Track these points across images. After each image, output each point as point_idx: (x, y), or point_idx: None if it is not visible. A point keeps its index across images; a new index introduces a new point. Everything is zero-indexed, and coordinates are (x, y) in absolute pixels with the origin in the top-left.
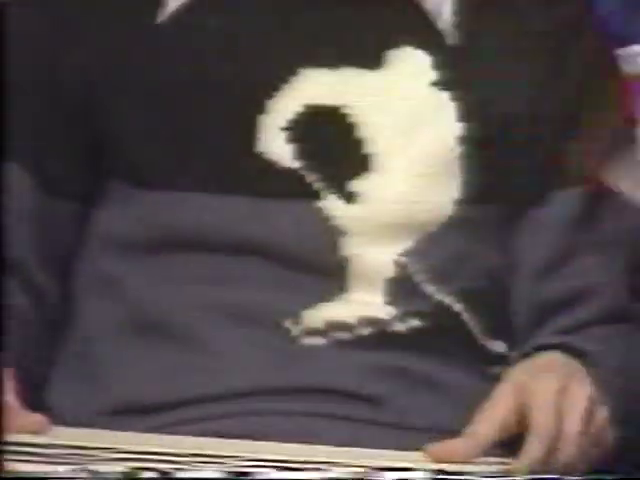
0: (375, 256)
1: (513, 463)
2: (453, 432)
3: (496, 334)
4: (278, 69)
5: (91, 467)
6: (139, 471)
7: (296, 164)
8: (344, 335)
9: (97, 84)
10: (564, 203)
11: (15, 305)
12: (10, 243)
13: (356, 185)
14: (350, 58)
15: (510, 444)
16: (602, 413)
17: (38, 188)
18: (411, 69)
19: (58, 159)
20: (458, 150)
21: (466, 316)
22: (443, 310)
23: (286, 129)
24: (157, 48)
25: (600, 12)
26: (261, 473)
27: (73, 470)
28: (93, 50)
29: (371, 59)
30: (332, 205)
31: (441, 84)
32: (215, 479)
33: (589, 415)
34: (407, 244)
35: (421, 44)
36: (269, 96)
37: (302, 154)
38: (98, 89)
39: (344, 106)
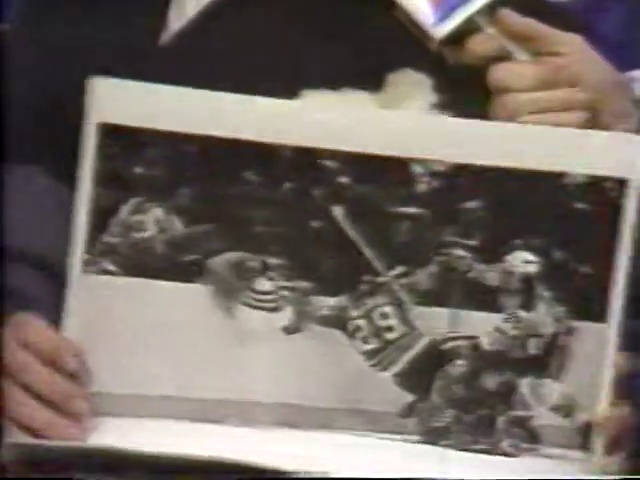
0: None
1: None
2: None
3: None
4: (279, 91)
5: None
6: None
7: None
8: None
9: None
10: None
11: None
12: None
13: None
14: (351, 80)
15: None
16: None
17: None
18: (412, 90)
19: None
20: None
21: None
22: None
23: None
24: (158, 70)
25: (600, 36)
26: None
27: None
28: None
29: (372, 81)
30: None
31: (441, 106)
32: None
33: None
34: None
35: (422, 66)
36: None
37: None
38: None
39: None
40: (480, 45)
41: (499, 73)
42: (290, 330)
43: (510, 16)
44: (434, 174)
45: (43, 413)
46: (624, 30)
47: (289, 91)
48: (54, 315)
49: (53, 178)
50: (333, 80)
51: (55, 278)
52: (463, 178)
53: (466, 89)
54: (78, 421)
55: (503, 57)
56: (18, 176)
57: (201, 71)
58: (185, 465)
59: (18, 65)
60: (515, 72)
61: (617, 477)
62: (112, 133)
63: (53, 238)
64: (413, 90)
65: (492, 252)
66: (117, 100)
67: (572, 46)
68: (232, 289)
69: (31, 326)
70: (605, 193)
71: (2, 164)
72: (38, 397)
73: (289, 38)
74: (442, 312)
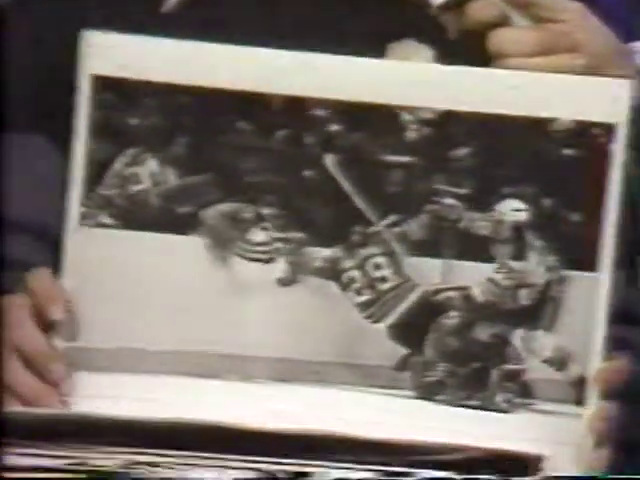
0: None
1: None
2: None
3: None
4: None
5: None
6: None
7: None
8: None
9: None
10: None
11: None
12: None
13: None
14: (353, 49)
15: None
16: None
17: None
18: (413, 59)
19: None
20: None
21: None
22: None
23: None
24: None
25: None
26: None
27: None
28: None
29: (374, 51)
30: None
31: None
32: None
33: None
34: None
35: (424, 37)
36: None
37: None
38: None
39: None
40: (480, 11)
41: (499, 39)
42: (285, 282)
43: None
44: (424, 122)
45: (27, 378)
46: (627, 0)
47: None
48: None
49: (54, 147)
50: (335, 49)
51: (55, 246)
52: (452, 126)
53: (467, 60)
54: (56, 386)
55: (503, 23)
56: (19, 145)
57: (203, 38)
58: (167, 429)
59: (18, 35)
60: (515, 38)
61: (617, 477)
62: (106, 85)
63: (54, 207)
64: (414, 60)
65: (482, 201)
66: (110, 52)
67: (572, 13)
68: (226, 240)
69: (37, 276)
70: (593, 139)
71: (3, 134)
72: (24, 360)
73: (291, 6)
74: (435, 262)
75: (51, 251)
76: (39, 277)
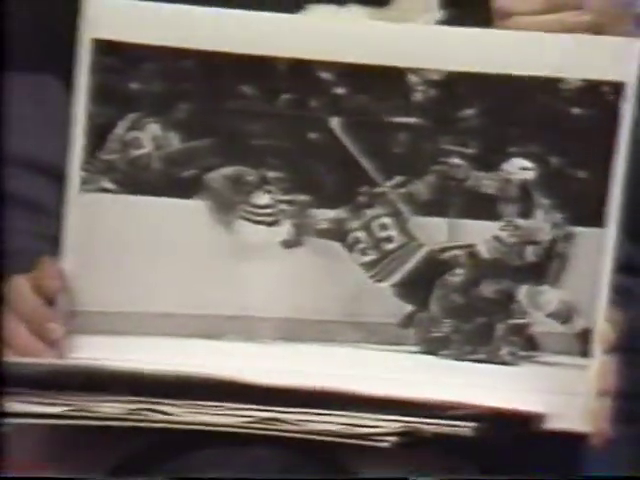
0: None
1: None
2: None
3: None
4: (284, 5)
5: None
6: None
7: None
8: None
9: None
10: None
11: None
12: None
13: None
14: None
15: None
16: None
17: None
18: (418, 7)
19: None
20: None
21: None
22: None
23: None
24: None
25: None
26: None
27: None
28: None
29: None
30: None
31: (447, 23)
32: None
33: None
34: None
35: None
36: None
37: None
38: None
39: None
40: None
41: None
42: (290, 244)
43: None
44: (430, 83)
45: (24, 335)
46: None
47: (294, 5)
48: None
49: (64, 87)
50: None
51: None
52: (459, 86)
53: (472, 6)
54: (53, 345)
55: None
56: (30, 84)
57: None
58: (171, 381)
59: None
60: None
61: (616, 476)
62: (107, 49)
63: (64, 146)
64: (419, 6)
65: (489, 160)
66: (111, 16)
67: None
68: (230, 204)
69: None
70: (602, 97)
71: (13, 72)
72: (24, 320)
73: None
74: (441, 222)
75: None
76: (40, 264)
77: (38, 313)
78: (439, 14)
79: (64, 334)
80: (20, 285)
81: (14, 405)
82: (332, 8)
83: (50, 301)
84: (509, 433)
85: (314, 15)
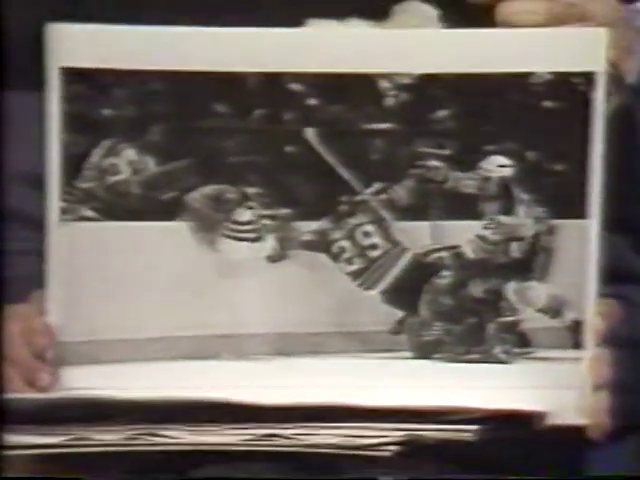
0: None
1: None
2: None
3: None
4: (284, 19)
5: None
6: None
7: None
8: None
9: None
10: None
11: None
12: None
13: None
14: (357, 10)
15: None
16: None
17: None
18: (417, 22)
19: None
20: None
21: None
22: None
23: None
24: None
25: None
26: None
27: None
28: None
29: (378, 11)
30: None
31: None
32: None
33: None
34: None
35: None
36: None
37: None
38: None
39: None
40: None
41: (510, 9)
42: (274, 258)
43: None
44: (401, 87)
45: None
46: None
47: (294, 21)
48: None
49: None
50: (339, 9)
51: None
52: (431, 88)
53: (473, 21)
54: (44, 391)
55: None
56: (22, 101)
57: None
58: (170, 407)
59: None
60: (526, 8)
61: (616, 476)
62: (75, 77)
63: None
64: (419, 20)
65: (466, 160)
66: (77, 44)
67: None
68: (213, 222)
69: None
70: (573, 88)
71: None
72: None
73: None
74: (423, 225)
75: None
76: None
77: (28, 364)
78: (439, 28)
79: (54, 381)
80: (12, 333)
81: (13, 437)
82: (332, 23)
83: (39, 355)
84: (511, 434)
85: (315, 30)
